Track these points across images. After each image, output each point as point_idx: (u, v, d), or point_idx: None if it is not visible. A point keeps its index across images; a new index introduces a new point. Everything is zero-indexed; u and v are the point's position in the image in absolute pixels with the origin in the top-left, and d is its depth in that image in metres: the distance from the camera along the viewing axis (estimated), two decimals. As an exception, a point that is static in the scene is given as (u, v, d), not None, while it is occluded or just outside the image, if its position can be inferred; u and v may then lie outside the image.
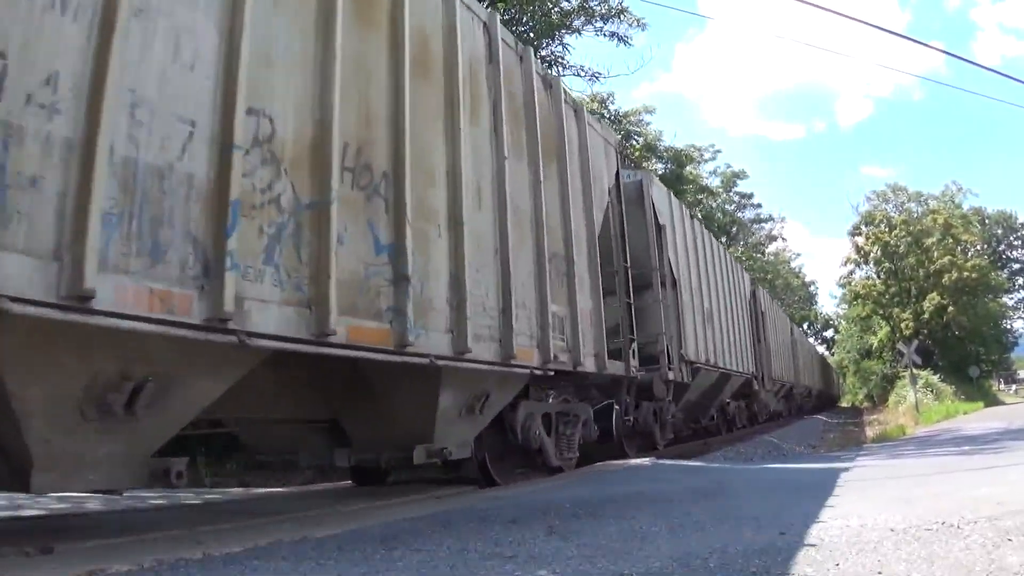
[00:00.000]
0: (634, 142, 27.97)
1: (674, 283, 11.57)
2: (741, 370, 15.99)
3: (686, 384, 11.66)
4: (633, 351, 8.76)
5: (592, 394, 8.80)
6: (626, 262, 8.97)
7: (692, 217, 14.28)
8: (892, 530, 3.35)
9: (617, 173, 9.17)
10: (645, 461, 8.97)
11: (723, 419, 16.60)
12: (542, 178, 6.70)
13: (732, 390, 16.12)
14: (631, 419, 9.55)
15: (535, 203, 6.60)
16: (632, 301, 8.97)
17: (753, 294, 19.81)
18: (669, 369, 10.66)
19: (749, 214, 52.89)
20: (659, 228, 11.33)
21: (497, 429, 6.47)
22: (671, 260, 11.55)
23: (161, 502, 6.61)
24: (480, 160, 5.74)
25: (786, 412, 26.66)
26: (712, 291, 14.27)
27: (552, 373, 6.56)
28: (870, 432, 19.52)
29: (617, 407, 9.18)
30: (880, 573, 2.60)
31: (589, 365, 7.34)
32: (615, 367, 8.17)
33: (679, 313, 11.56)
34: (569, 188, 7.37)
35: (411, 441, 5.23)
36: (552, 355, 6.41)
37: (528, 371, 6.11)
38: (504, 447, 6.69)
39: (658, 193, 11.78)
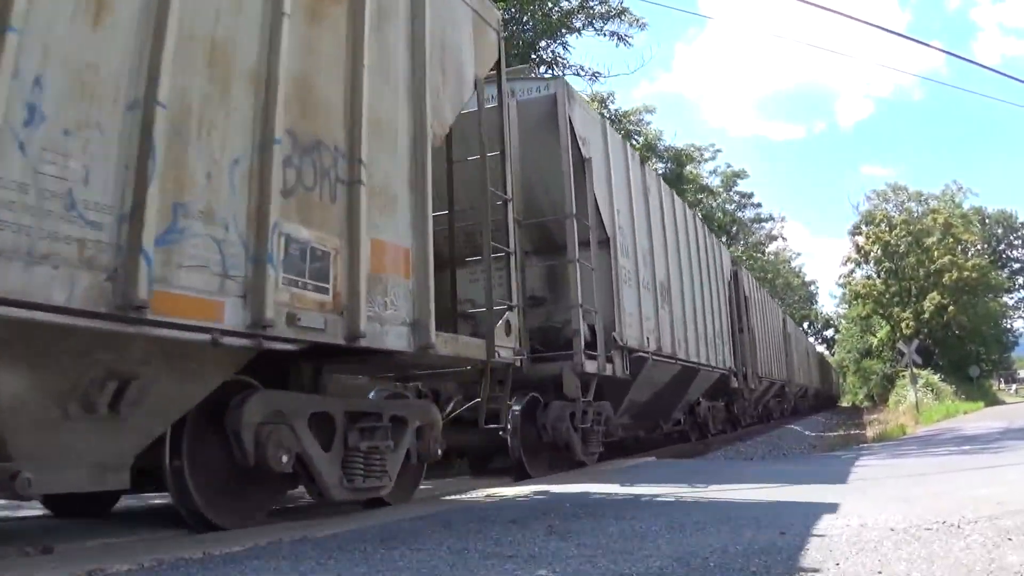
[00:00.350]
0: (634, 141, 28.00)
1: (605, 241, 8.56)
2: (713, 364, 13.10)
3: (625, 379, 8.71)
4: (508, 325, 5.88)
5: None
6: (506, 193, 6.19)
7: (642, 161, 10.96)
8: (892, 530, 3.35)
9: (499, 65, 6.40)
10: (647, 460, 8.97)
11: (693, 423, 13.92)
12: (287, 10, 3.98)
13: (703, 388, 13.31)
14: (502, 427, 6.70)
15: (269, 47, 3.90)
16: (515, 252, 6.29)
17: (735, 275, 17.04)
18: (590, 357, 7.75)
19: (749, 213, 52.99)
20: (582, 162, 8.19)
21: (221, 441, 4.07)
22: (600, 209, 8.45)
23: (160, 502, 6.61)
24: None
25: (778, 413, 24.81)
26: (671, 261, 11.13)
27: (293, 347, 3.95)
28: (870, 432, 19.53)
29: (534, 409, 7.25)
30: (880, 573, 2.60)
31: (393, 340, 4.54)
32: (464, 348, 5.40)
33: (613, 282, 8.52)
34: (367, 49, 4.56)
35: None
36: (278, 314, 3.74)
37: (208, 338, 3.44)
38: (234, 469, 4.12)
39: (582, 115, 8.59)
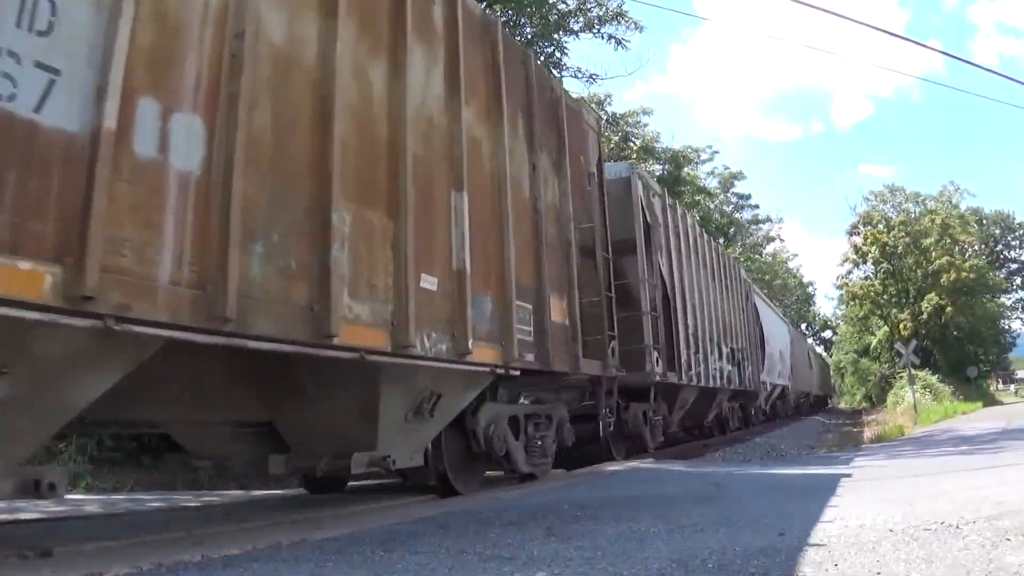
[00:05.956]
0: (632, 143, 28.01)
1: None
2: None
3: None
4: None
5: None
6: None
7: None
8: (891, 530, 3.35)
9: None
10: (645, 463, 9.00)
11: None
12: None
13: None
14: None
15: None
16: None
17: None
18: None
19: (747, 215, 52.85)
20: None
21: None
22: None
23: (159, 504, 6.61)
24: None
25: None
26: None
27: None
28: (868, 432, 19.54)
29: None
30: (879, 573, 2.60)
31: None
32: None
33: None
34: None
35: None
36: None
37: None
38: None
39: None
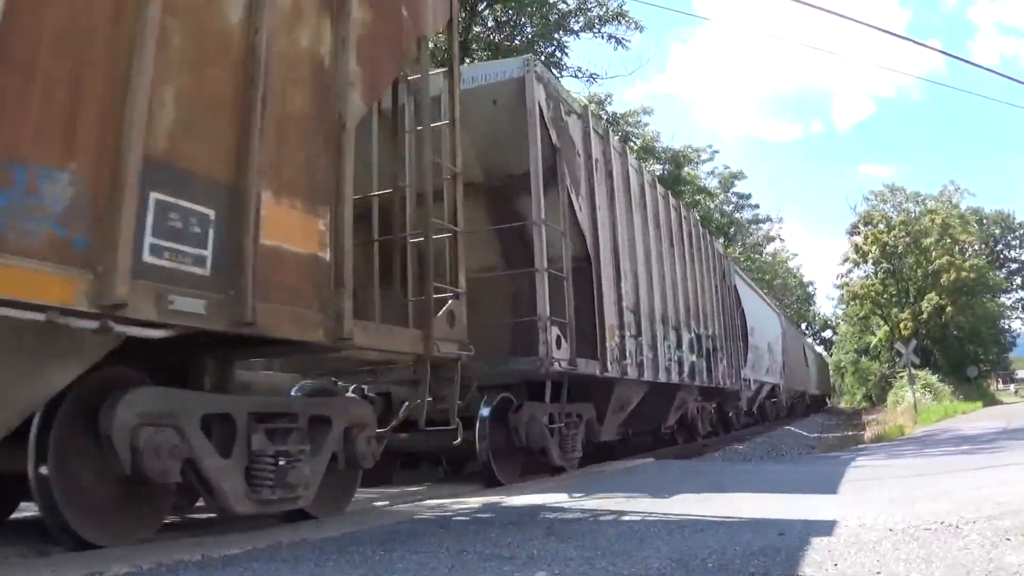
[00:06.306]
0: (632, 143, 28.02)
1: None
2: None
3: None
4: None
5: None
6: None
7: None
8: (891, 530, 3.35)
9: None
10: (646, 461, 8.97)
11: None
12: None
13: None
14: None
15: None
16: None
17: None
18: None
19: (747, 214, 52.88)
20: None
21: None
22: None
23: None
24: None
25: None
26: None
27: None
28: (869, 432, 19.56)
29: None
30: (879, 573, 2.60)
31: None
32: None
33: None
34: None
35: None
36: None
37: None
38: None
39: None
